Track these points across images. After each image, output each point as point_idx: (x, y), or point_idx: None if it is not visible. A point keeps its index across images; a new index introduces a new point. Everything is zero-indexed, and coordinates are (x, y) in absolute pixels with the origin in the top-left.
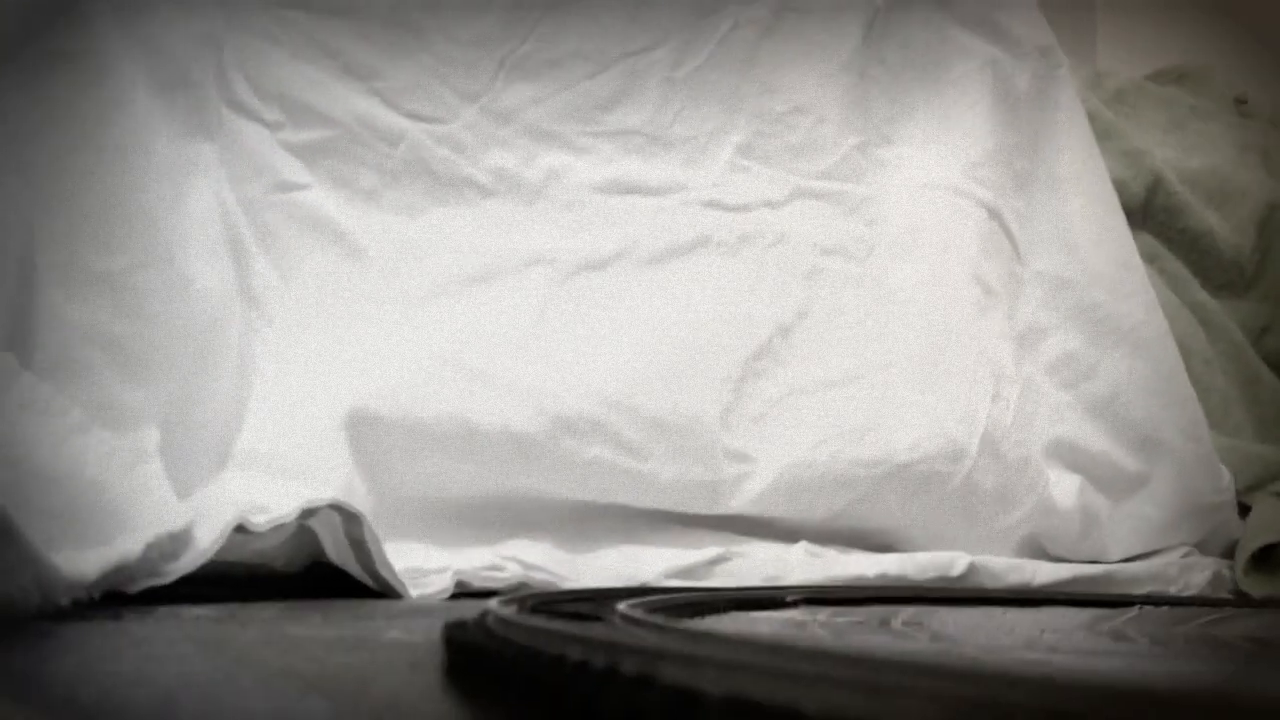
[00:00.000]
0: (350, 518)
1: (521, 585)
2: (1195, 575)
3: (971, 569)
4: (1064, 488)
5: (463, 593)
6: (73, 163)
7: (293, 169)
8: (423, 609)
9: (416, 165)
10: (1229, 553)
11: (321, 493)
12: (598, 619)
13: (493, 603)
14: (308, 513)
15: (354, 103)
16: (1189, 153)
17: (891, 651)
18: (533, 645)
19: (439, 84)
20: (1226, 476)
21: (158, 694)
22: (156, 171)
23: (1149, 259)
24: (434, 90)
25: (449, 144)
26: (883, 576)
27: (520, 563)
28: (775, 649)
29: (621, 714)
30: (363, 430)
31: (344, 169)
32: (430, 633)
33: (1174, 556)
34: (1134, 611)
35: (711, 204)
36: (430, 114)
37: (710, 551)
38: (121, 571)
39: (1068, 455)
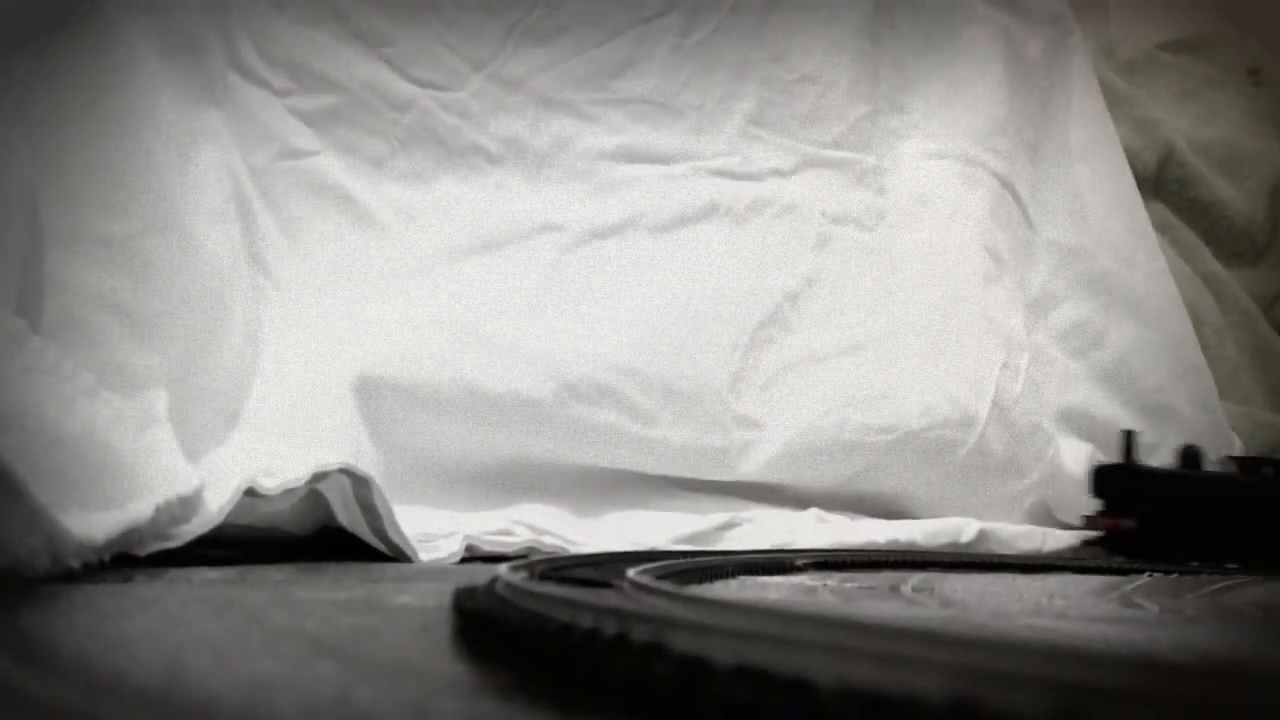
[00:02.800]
0: (360, 482)
1: (531, 549)
2: None
3: (981, 535)
4: (1074, 455)
5: (472, 556)
6: (79, 128)
7: (301, 135)
8: (433, 573)
9: (424, 132)
10: None
11: (331, 457)
12: (607, 585)
13: (502, 569)
14: (318, 476)
15: (362, 69)
16: (1201, 122)
17: (900, 620)
18: (543, 613)
19: (447, 51)
20: (1237, 444)
21: (167, 654)
22: (163, 137)
23: (1161, 228)
24: (442, 57)
25: (457, 111)
26: (893, 542)
27: (530, 527)
28: (783, 617)
29: (631, 681)
30: (371, 395)
31: (352, 136)
32: (440, 597)
33: None
34: (1143, 579)
35: (720, 172)
36: (439, 81)
37: (719, 517)
38: (131, 534)
39: (1078, 423)
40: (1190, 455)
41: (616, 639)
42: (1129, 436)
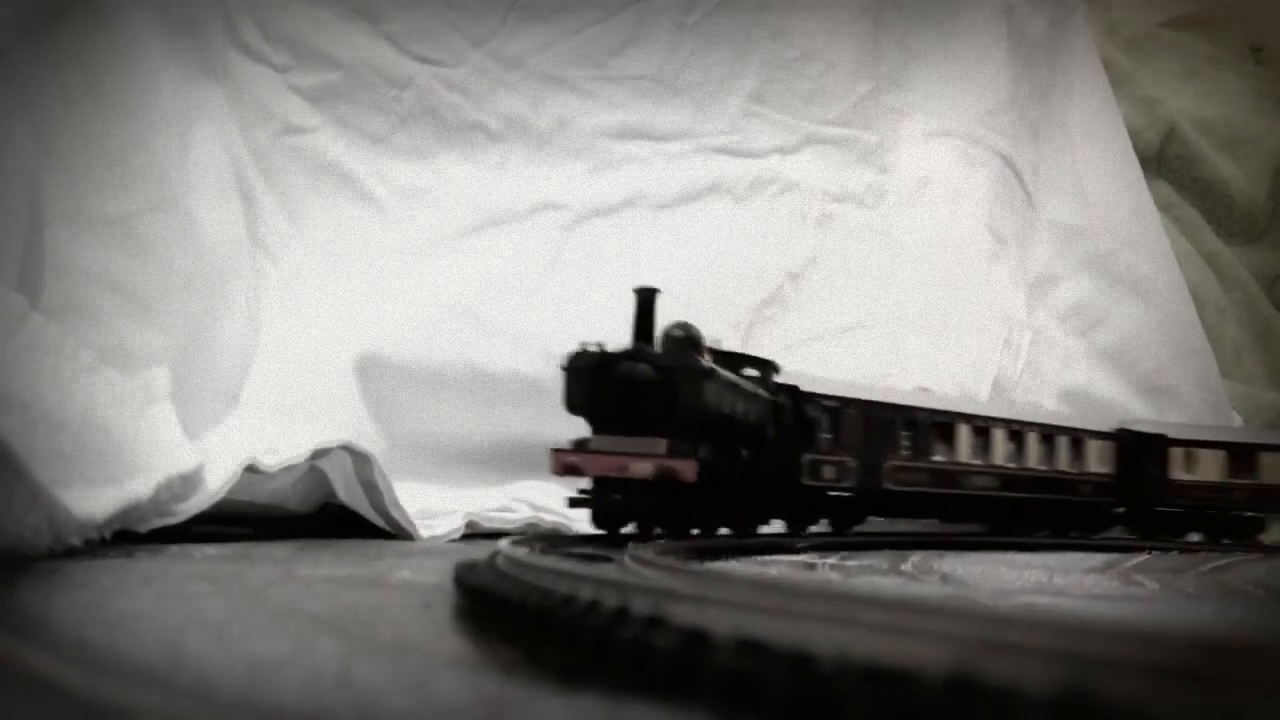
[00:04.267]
0: (361, 459)
1: (530, 526)
2: None
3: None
4: None
5: (473, 533)
6: (80, 108)
7: (301, 112)
8: (433, 549)
9: (425, 110)
10: None
11: (332, 435)
12: (608, 560)
13: (503, 543)
14: (319, 454)
15: (362, 46)
16: (1204, 100)
17: (898, 593)
18: (543, 586)
19: (447, 28)
20: (1238, 423)
21: (168, 631)
22: (163, 115)
23: (1163, 207)
24: (443, 34)
25: (457, 89)
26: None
27: (530, 504)
28: (781, 591)
29: (631, 652)
30: (373, 374)
31: (352, 113)
32: (441, 573)
33: None
34: (1143, 556)
35: (721, 150)
36: (439, 58)
37: None
38: (132, 511)
39: (1079, 402)
40: (683, 340)
41: (617, 611)
42: (646, 298)
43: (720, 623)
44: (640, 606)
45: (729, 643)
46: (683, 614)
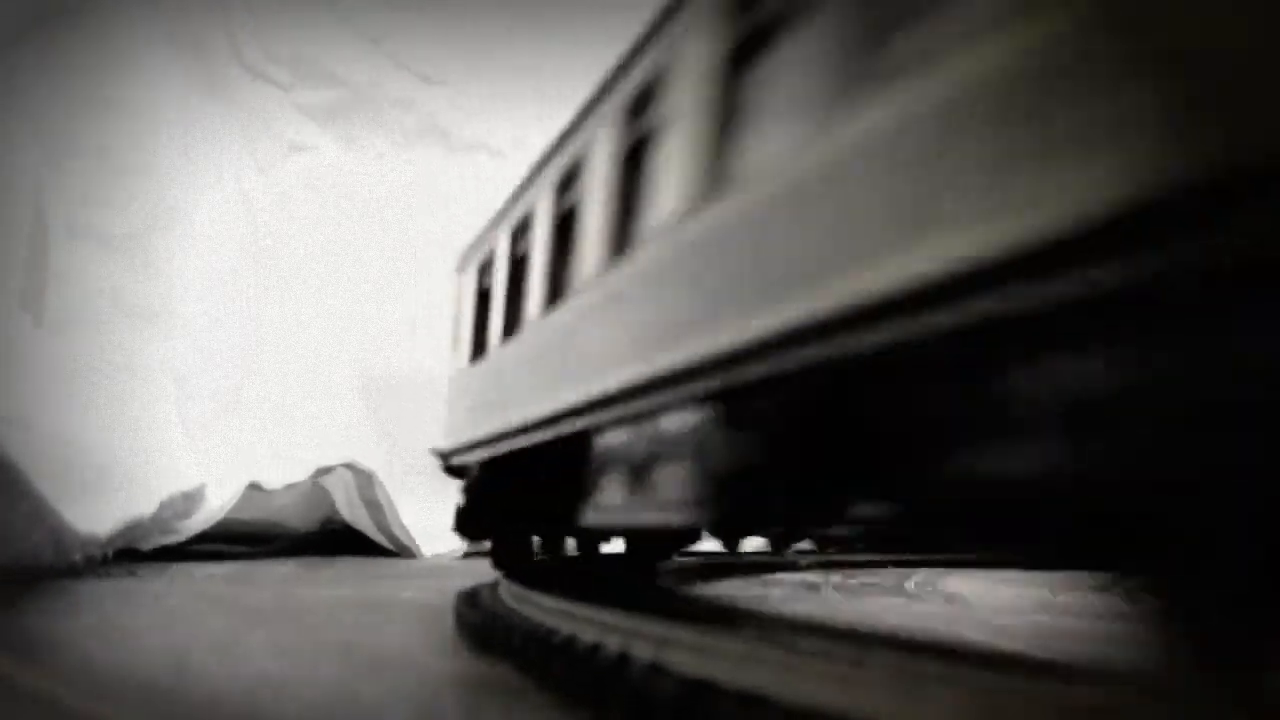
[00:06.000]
0: (363, 477)
1: None
2: None
3: None
4: None
5: (475, 551)
6: (83, 122)
7: (304, 130)
8: (436, 569)
9: (429, 128)
10: None
11: (335, 450)
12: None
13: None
14: (321, 471)
15: (366, 65)
16: None
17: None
18: (545, 624)
19: (451, 47)
20: None
21: (171, 650)
22: (167, 131)
23: None
24: (445, 54)
25: (460, 107)
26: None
27: None
28: (786, 638)
29: (631, 694)
30: (375, 388)
31: (356, 131)
32: (443, 593)
33: None
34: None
35: None
36: (442, 77)
37: None
38: (135, 529)
39: None
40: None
41: (619, 655)
42: None
43: (720, 672)
44: (641, 651)
45: (729, 692)
46: (684, 662)
